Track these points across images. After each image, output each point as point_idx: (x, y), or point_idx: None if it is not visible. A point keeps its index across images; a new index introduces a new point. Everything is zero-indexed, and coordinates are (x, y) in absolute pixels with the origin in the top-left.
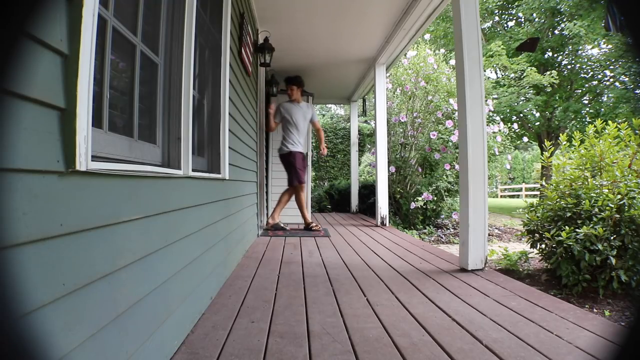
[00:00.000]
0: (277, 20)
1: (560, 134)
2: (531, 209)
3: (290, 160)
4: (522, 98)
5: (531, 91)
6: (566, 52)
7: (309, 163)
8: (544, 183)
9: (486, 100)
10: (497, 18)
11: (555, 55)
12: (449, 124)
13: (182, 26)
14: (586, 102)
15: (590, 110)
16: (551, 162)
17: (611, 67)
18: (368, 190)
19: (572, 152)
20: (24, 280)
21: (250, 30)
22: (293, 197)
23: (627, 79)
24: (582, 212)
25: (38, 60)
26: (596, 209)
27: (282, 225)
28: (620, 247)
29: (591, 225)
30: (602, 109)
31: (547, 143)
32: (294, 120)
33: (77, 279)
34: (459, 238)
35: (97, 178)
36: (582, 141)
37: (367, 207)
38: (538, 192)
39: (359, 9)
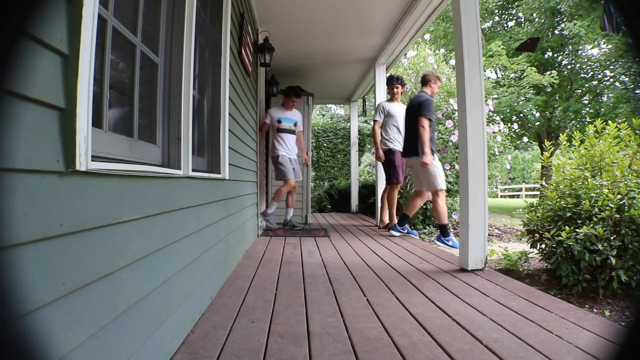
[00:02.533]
0: (277, 20)
1: (560, 134)
2: (531, 209)
3: (390, 158)
4: (522, 98)
5: (531, 91)
6: (566, 52)
7: (309, 163)
8: (544, 183)
9: (486, 100)
10: (497, 18)
11: (555, 55)
12: (449, 124)
13: (182, 26)
14: (586, 102)
15: (590, 110)
16: (551, 162)
17: (611, 67)
18: (368, 190)
19: (572, 152)
20: (24, 280)
21: (250, 30)
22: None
23: (627, 79)
24: (582, 212)
25: (38, 60)
26: (596, 209)
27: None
28: (620, 247)
29: (591, 225)
30: (602, 109)
31: (547, 143)
32: (396, 119)
33: (77, 279)
34: (459, 238)
35: (97, 178)
36: (582, 141)
37: (367, 207)
38: (538, 192)
39: (359, 9)
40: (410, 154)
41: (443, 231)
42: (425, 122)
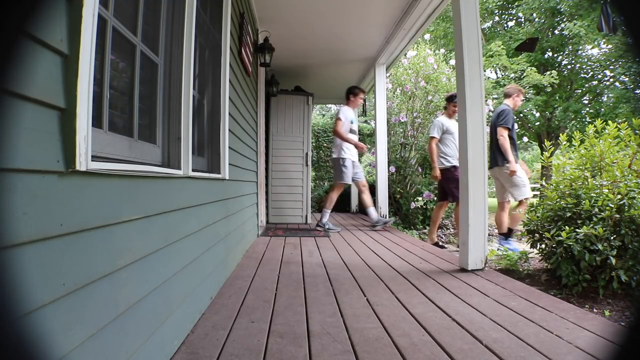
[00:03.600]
0: (277, 20)
1: (560, 134)
2: (531, 209)
3: (455, 175)
4: (522, 98)
5: (531, 91)
6: (566, 52)
7: (309, 163)
8: (544, 183)
9: (486, 100)
10: (497, 18)
11: (555, 55)
12: None
13: (182, 26)
14: (586, 102)
15: (590, 110)
16: (551, 162)
17: (611, 67)
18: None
19: (572, 152)
20: (24, 280)
21: (250, 30)
22: None
23: (627, 79)
24: (582, 212)
25: (38, 60)
26: (596, 209)
27: (440, 244)
28: (620, 247)
29: (591, 225)
30: (602, 109)
31: (547, 143)
32: (455, 135)
33: (77, 279)
34: (459, 238)
35: (97, 178)
36: (582, 141)
37: None
38: (538, 192)
39: (359, 8)
40: (493, 165)
41: (507, 234)
42: (504, 131)
